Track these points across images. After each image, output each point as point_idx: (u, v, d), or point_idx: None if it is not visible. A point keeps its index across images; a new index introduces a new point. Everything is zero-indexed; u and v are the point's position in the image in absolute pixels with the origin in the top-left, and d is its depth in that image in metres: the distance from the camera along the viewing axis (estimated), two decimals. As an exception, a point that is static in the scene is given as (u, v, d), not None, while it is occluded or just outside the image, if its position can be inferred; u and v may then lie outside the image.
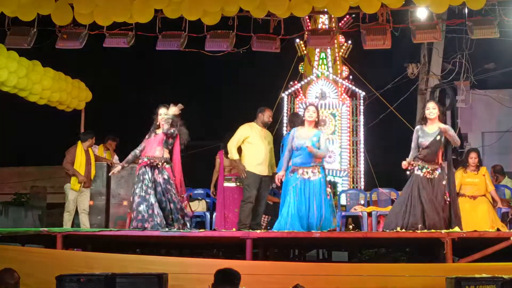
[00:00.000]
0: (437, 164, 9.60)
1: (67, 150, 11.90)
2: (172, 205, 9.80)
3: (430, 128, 9.66)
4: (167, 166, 9.91)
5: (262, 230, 9.99)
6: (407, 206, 9.52)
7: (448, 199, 9.53)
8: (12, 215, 15.45)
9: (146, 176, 9.78)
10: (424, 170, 9.56)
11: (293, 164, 9.85)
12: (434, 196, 9.44)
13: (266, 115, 10.85)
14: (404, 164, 9.72)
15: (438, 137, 9.57)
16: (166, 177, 9.84)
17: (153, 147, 9.93)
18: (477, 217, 10.65)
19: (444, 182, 9.54)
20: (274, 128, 14.83)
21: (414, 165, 9.69)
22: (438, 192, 9.48)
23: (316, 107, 10.09)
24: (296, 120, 10.55)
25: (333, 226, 9.88)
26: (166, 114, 9.97)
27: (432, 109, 9.68)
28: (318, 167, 9.76)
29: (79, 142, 11.93)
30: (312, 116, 9.86)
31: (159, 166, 9.84)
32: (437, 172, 9.54)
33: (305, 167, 9.72)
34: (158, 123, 10.03)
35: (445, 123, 9.81)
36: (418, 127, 9.76)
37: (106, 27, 11.66)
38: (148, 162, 9.84)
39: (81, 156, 11.75)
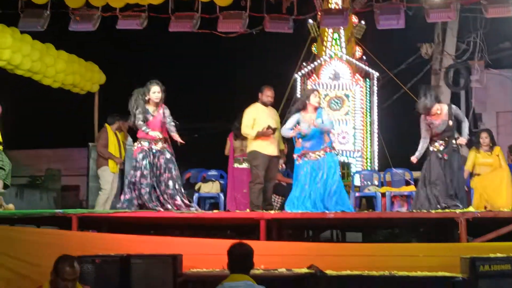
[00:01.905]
0: (451, 139, 9.70)
1: (97, 135, 11.94)
2: (170, 182, 9.76)
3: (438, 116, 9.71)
4: (168, 145, 9.90)
5: (276, 211, 10.00)
6: (425, 188, 9.61)
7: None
8: (27, 198, 15.55)
9: (146, 161, 9.72)
10: (440, 147, 9.65)
11: (303, 148, 9.89)
12: (448, 172, 9.53)
13: (264, 95, 10.60)
14: (413, 159, 9.86)
15: (450, 122, 9.63)
16: (168, 156, 9.80)
17: (154, 128, 9.81)
18: (494, 184, 10.65)
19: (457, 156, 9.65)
20: (287, 109, 14.82)
21: (431, 145, 9.78)
22: (454, 167, 9.57)
23: (319, 92, 10.27)
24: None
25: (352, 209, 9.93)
26: (159, 93, 9.85)
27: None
28: (329, 148, 9.84)
29: (107, 125, 11.94)
30: (318, 102, 9.97)
31: (160, 148, 9.82)
32: (449, 148, 9.62)
33: (315, 150, 9.80)
34: (148, 99, 9.83)
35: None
36: (423, 117, 9.79)
37: (119, 9, 11.66)
38: (148, 146, 9.79)
39: (114, 139, 11.78)
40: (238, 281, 5.23)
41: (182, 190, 9.91)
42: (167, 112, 9.90)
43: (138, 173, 9.71)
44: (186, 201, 9.83)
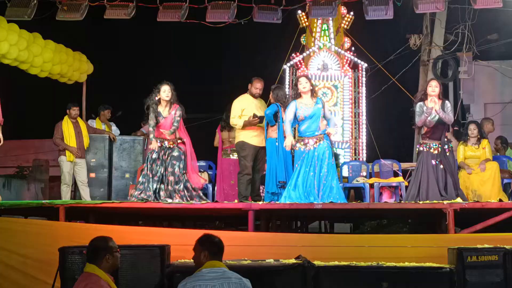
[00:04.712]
0: (444, 137, 9.71)
1: (55, 126, 11.93)
2: (171, 178, 9.85)
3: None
4: (180, 143, 10.03)
5: (263, 202, 9.99)
6: (421, 182, 9.64)
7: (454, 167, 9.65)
8: (14, 188, 15.47)
9: (154, 156, 9.90)
10: (432, 148, 9.66)
11: (299, 133, 9.88)
12: (442, 167, 9.56)
13: (254, 87, 10.65)
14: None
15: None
16: (176, 154, 9.94)
17: (165, 128, 9.99)
18: (483, 179, 10.69)
19: (450, 154, 9.67)
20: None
21: (421, 143, 9.79)
22: (448, 162, 9.61)
23: (306, 76, 10.14)
24: (279, 93, 10.49)
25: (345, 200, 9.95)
26: (169, 91, 9.99)
27: (434, 87, 9.74)
28: (322, 136, 9.80)
29: (66, 116, 11.93)
30: (305, 87, 9.87)
31: (172, 146, 9.91)
32: (444, 146, 9.65)
33: (310, 137, 9.75)
34: (159, 99, 10.01)
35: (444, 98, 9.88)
36: (421, 103, 9.79)
37: (106, -1, 11.60)
38: (162, 145, 9.95)
39: (68, 129, 11.75)
40: (216, 268, 5.32)
41: (183, 187, 9.96)
42: (178, 113, 10.07)
43: (148, 166, 9.93)
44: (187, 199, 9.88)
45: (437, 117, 9.68)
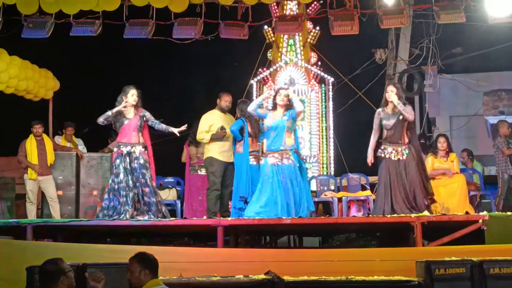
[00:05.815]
0: (404, 144, 9.75)
1: (20, 143, 11.90)
2: (147, 189, 9.80)
3: (392, 110, 9.80)
4: (144, 150, 9.92)
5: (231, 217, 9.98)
6: (385, 192, 9.68)
7: (421, 178, 9.70)
8: (-20, 207, 15.29)
9: (121, 166, 9.80)
10: (393, 152, 9.71)
11: (266, 148, 9.93)
12: (405, 178, 9.61)
13: (223, 101, 10.67)
14: (369, 160, 10.03)
15: (401, 117, 9.72)
16: (142, 161, 9.84)
17: (128, 133, 9.90)
18: (450, 192, 10.79)
19: (415, 162, 9.69)
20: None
21: (382, 149, 9.84)
22: (411, 173, 9.64)
23: (285, 89, 10.15)
24: (243, 107, 10.49)
25: (313, 209, 9.99)
26: (137, 96, 9.94)
27: (390, 92, 9.83)
28: (289, 151, 9.74)
29: (32, 133, 11.89)
30: (284, 100, 9.86)
31: (135, 152, 9.81)
32: (405, 153, 9.70)
33: (275, 151, 9.73)
34: (126, 103, 9.92)
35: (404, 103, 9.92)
36: (379, 109, 9.92)
37: (72, 16, 11.56)
38: (125, 150, 9.82)
39: (30, 146, 11.69)
40: (161, 286, 5.40)
41: (159, 199, 9.97)
42: (148, 114, 10.04)
43: (116, 179, 9.84)
44: (161, 213, 9.81)
45: (393, 121, 9.76)
